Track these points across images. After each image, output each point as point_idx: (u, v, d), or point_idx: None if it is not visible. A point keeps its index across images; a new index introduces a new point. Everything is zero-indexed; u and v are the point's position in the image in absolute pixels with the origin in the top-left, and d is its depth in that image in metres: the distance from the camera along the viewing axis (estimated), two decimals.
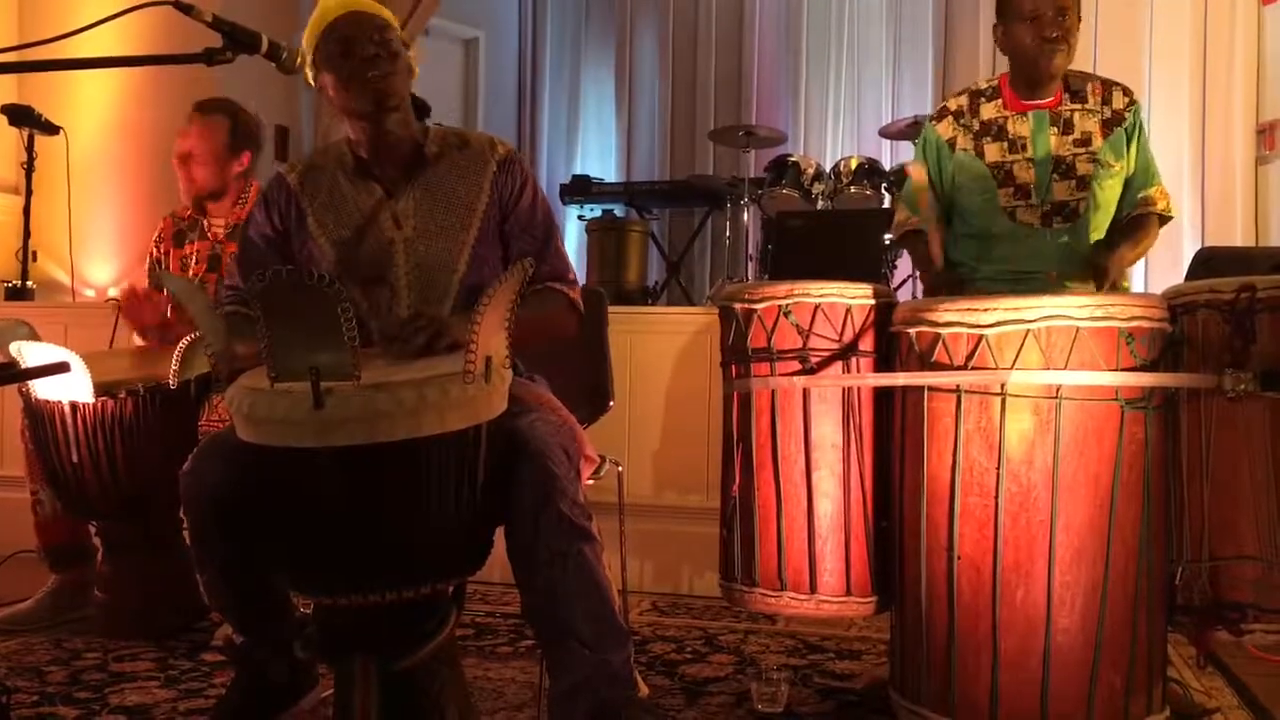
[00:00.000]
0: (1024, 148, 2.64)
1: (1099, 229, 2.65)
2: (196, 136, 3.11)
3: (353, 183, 2.14)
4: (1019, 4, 2.58)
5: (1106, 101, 2.66)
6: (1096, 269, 2.48)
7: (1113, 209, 2.67)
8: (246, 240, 2.20)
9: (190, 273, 3.12)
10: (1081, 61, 5.46)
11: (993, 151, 2.66)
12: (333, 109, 2.15)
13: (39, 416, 2.78)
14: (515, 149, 2.23)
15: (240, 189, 3.17)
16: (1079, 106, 2.65)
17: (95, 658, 2.67)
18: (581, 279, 2.22)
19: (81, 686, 2.45)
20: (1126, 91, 2.67)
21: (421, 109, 2.23)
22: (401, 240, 2.10)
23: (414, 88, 2.19)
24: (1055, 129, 2.63)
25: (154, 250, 3.24)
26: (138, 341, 3.20)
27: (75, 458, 2.73)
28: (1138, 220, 2.65)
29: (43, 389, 2.74)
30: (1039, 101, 2.65)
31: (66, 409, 2.71)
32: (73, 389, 2.68)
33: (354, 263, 2.08)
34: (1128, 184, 2.67)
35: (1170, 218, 2.70)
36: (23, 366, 2.50)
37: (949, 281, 2.59)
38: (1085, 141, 2.62)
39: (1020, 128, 2.65)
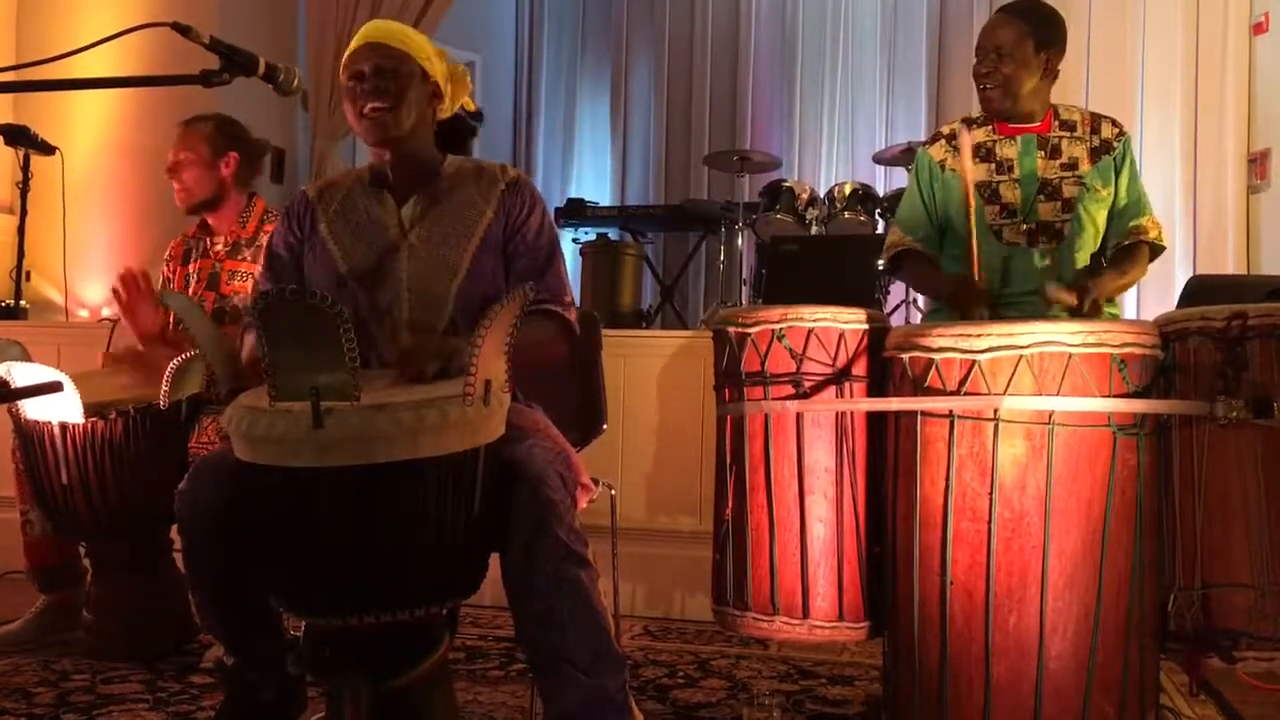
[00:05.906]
0: (1010, 169, 2.67)
1: (1085, 250, 2.67)
2: (181, 146, 3.10)
3: (366, 192, 2.21)
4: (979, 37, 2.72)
5: (1095, 131, 2.69)
6: (1078, 287, 2.43)
7: (1099, 231, 2.69)
8: (271, 251, 2.26)
9: (191, 290, 3.11)
10: (1073, 89, 5.55)
11: (980, 171, 2.68)
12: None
13: (28, 437, 2.77)
14: (526, 175, 2.29)
15: (241, 204, 3.13)
16: (1067, 134, 2.68)
17: (84, 679, 2.65)
18: (575, 302, 2.24)
19: (70, 708, 2.43)
20: (1115, 123, 2.71)
21: (459, 130, 2.33)
22: (406, 245, 2.13)
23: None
24: (1042, 153, 2.67)
25: (164, 270, 3.24)
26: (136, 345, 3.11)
27: (65, 478, 2.72)
28: (1128, 249, 2.66)
29: (32, 409, 2.73)
30: (1027, 126, 2.68)
31: (56, 430, 2.70)
32: (62, 409, 2.67)
33: (359, 264, 2.13)
34: (1120, 214, 2.68)
35: (1163, 248, 2.69)
36: (13, 387, 2.49)
37: (961, 282, 2.55)
38: (1072, 166, 2.65)
39: (1008, 150, 2.68)
